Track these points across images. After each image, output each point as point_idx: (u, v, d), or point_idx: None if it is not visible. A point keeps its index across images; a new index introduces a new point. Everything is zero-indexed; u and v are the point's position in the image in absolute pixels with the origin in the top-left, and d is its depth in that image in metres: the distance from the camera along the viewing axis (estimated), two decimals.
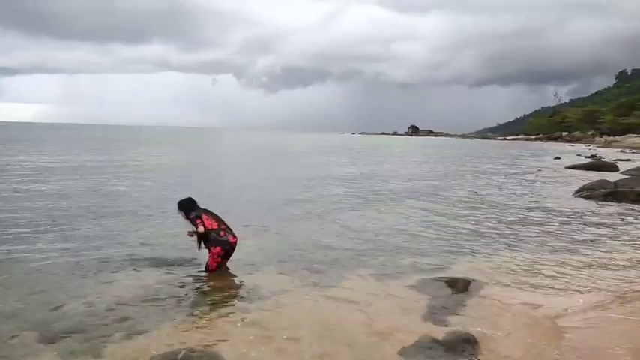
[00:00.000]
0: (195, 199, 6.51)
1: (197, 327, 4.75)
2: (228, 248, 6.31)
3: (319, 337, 4.58)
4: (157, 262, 6.74)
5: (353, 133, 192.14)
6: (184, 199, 6.49)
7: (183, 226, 6.50)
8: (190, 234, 6.25)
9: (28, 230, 8.50)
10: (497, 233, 9.49)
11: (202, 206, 6.49)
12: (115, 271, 6.34)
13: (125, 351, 4.17)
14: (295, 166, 26.14)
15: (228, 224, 6.45)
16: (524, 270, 6.92)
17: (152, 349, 4.13)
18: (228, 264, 6.46)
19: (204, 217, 6.25)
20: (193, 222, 6.22)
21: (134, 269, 6.47)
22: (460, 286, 6.04)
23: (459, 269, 6.89)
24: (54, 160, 23.92)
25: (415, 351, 4.27)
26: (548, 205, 13.40)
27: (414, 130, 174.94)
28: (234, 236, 6.38)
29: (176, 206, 6.49)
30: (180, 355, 4.02)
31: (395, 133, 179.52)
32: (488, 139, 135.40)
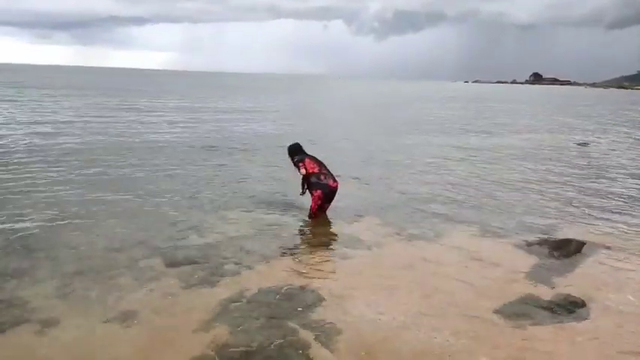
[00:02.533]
0: (301, 145, 6.78)
1: (299, 266, 5.06)
2: (328, 192, 6.50)
3: (417, 284, 4.64)
4: (267, 205, 7.16)
5: (466, 82, 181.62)
6: (292, 144, 6.80)
7: (292, 171, 6.79)
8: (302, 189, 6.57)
9: (155, 172, 9.50)
10: (618, 197, 8.60)
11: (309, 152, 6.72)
12: (230, 211, 6.88)
13: (235, 281, 4.60)
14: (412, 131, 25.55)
15: (329, 169, 6.62)
16: None
17: (259, 282, 4.53)
18: (330, 211, 6.68)
19: (306, 160, 6.51)
20: (296, 165, 6.54)
21: (245, 210, 6.95)
22: (572, 248, 5.65)
23: (573, 231, 6.43)
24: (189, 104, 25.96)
25: (513, 310, 4.15)
26: None
27: (537, 78, 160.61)
28: (335, 181, 6.54)
29: (286, 151, 6.82)
30: (283, 290, 4.39)
31: (514, 82, 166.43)
32: (625, 88, 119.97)
